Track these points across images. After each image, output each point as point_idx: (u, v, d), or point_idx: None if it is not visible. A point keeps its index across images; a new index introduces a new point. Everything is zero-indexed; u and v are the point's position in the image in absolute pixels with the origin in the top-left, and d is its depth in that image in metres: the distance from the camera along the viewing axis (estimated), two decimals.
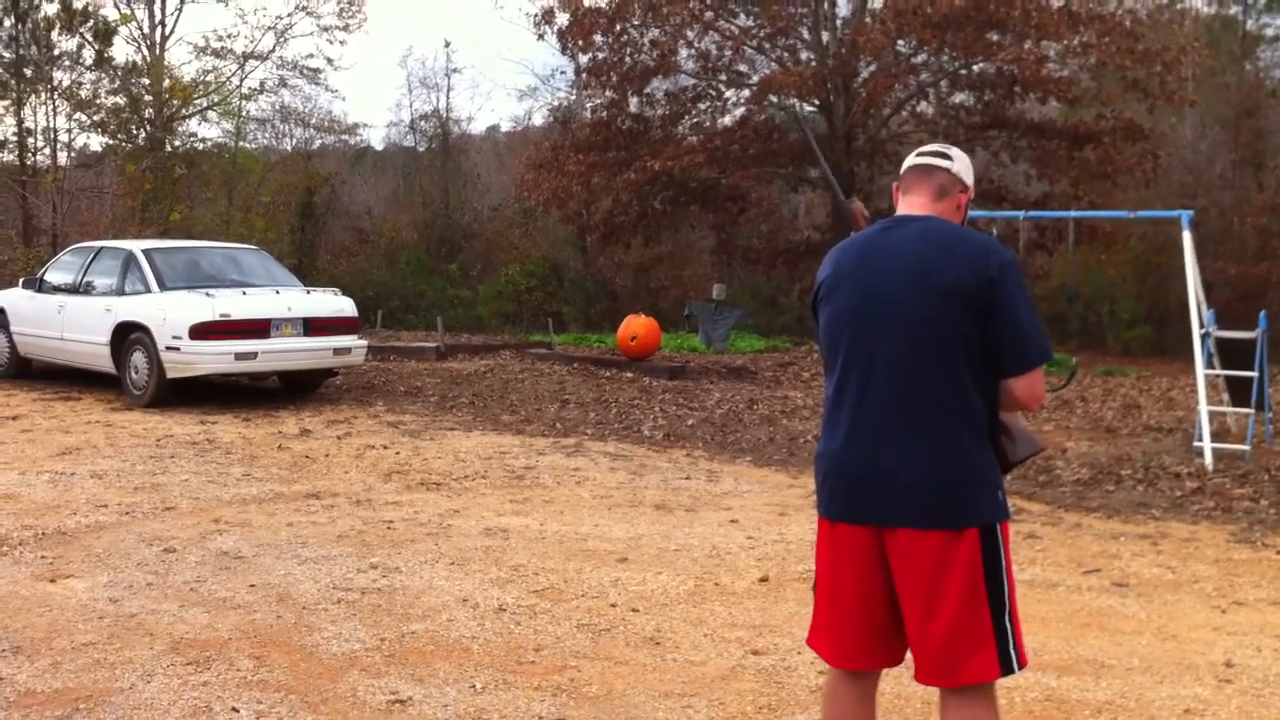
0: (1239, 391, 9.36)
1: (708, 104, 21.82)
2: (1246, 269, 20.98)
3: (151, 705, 3.88)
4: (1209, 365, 8.91)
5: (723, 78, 21.42)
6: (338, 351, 11.29)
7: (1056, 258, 20.29)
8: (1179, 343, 20.68)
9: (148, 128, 25.18)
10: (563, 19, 20.43)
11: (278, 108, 29.23)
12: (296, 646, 4.47)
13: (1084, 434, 9.86)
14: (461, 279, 27.23)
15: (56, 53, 26.05)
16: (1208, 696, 4.10)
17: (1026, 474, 8.15)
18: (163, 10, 25.80)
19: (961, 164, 2.98)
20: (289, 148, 31.46)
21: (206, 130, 28.43)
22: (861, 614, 2.86)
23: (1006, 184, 20.88)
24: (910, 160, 3.02)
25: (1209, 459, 8.19)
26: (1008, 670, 2.76)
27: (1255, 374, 9.02)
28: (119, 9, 25.53)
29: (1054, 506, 7.24)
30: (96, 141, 27.55)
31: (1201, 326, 8.81)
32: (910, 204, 2.95)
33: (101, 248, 12.29)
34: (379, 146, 35.54)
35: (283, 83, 27.81)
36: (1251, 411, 9.09)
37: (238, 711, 3.83)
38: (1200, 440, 8.44)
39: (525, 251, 27.61)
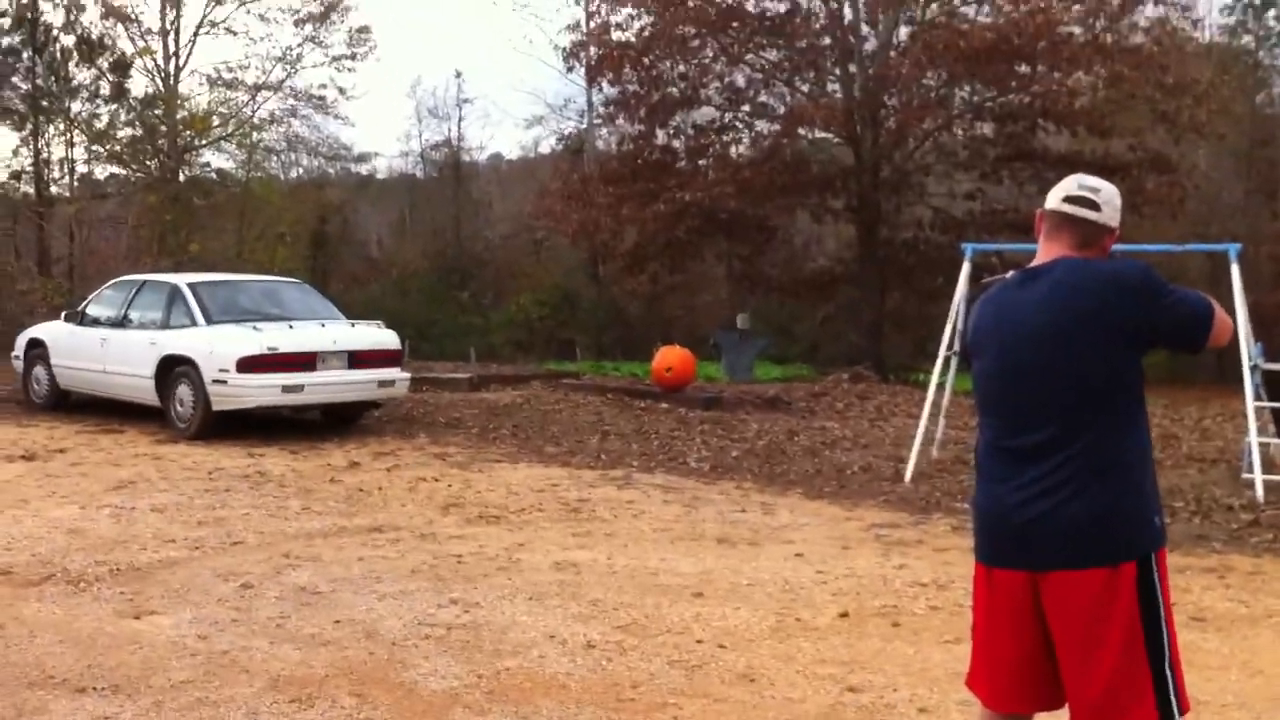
0: None
1: (732, 135, 22.04)
2: (1262, 297, 21.07)
3: None
4: (1257, 397, 8.93)
5: (746, 108, 21.61)
6: (382, 384, 11.35)
7: None
8: (1195, 368, 20.76)
9: (162, 158, 25.32)
10: (593, 53, 20.62)
11: (287, 137, 29.41)
12: (395, 683, 4.50)
13: None
14: (473, 306, 27.35)
15: (74, 84, 26.22)
16: None
17: None
18: (177, 42, 26.01)
19: (1109, 210, 2.92)
20: (296, 175, 31.61)
21: (221, 161, 28.71)
22: (1019, 658, 2.89)
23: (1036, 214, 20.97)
24: (1058, 202, 2.95)
25: (1260, 491, 8.22)
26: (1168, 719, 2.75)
27: None
28: (134, 42, 25.73)
29: None
30: (110, 172, 27.75)
31: (1250, 360, 8.85)
32: (1050, 250, 2.95)
33: (145, 281, 12.37)
34: (381, 175, 35.63)
35: (293, 112, 28.01)
36: None
37: None
38: (1250, 472, 8.47)
39: (537, 279, 27.75)
